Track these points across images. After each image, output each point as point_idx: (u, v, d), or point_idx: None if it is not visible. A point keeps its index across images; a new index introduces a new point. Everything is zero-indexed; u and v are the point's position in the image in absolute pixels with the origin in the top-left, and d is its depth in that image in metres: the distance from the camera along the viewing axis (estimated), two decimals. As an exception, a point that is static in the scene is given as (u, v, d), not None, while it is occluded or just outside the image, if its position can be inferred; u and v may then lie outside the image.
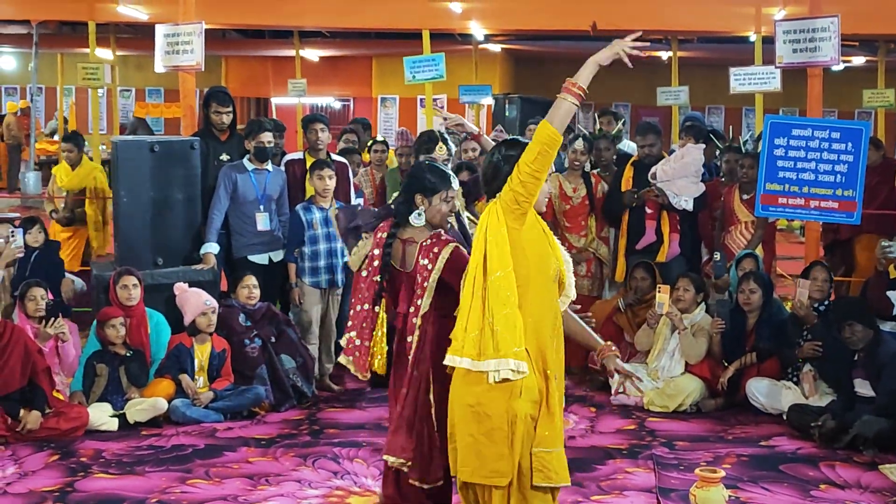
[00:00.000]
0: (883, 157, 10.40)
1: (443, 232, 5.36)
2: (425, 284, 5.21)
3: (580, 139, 9.20)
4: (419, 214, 5.28)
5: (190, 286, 7.96)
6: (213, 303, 7.85)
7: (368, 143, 10.75)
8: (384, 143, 10.57)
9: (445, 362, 4.45)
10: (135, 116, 26.01)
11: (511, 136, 4.96)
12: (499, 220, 4.36)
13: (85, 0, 14.82)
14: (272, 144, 8.57)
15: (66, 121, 24.88)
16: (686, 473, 6.47)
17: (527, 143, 4.43)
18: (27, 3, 16.93)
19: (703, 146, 9.28)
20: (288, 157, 9.11)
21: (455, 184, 5.41)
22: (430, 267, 5.21)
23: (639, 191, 8.92)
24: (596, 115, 11.72)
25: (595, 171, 9.50)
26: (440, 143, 6.06)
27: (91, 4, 14.88)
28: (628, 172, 9.11)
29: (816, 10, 9.13)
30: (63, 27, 22.73)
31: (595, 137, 9.99)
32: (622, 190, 9.06)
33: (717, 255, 8.76)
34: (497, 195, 4.47)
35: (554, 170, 9.09)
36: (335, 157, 8.99)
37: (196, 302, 7.79)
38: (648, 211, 8.93)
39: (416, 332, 5.28)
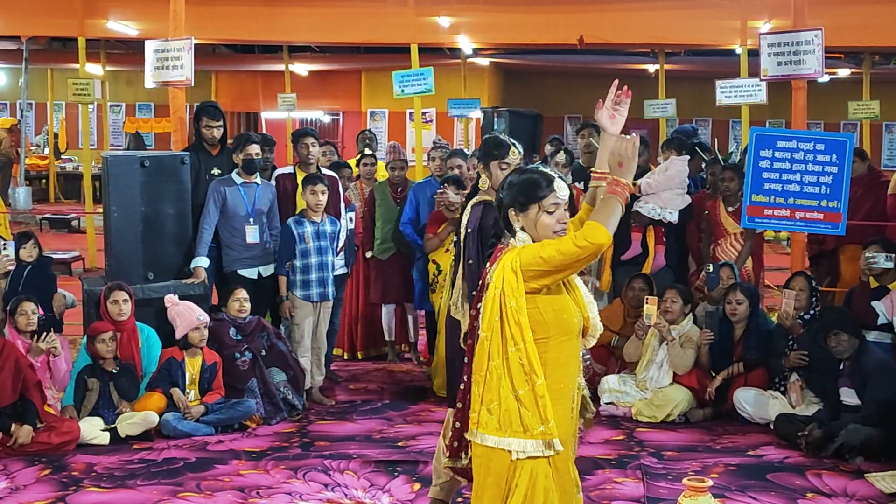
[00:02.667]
0: (868, 169, 10.48)
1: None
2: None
3: (562, 152, 9.28)
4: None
5: (181, 300, 7.99)
6: (206, 317, 7.88)
7: (357, 157, 10.78)
8: (373, 156, 10.62)
9: (467, 436, 4.15)
10: (128, 132, 26.06)
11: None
12: (517, 281, 3.94)
13: (75, 16, 14.87)
14: (260, 157, 8.60)
15: (56, 136, 24.92)
16: (674, 483, 6.50)
17: (525, 171, 4.15)
18: (17, 18, 16.95)
19: (688, 158, 9.34)
20: (279, 171, 9.15)
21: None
22: None
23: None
24: (576, 128, 11.71)
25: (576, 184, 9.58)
26: (512, 148, 5.86)
27: (81, 20, 14.93)
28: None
29: (800, 24, 9.20)
30: (53, 43, 22.77)
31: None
32: None
33: (710, 268, 8.80)
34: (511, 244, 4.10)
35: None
36: (325, 171, 9.03)
37: (189, 316, 7.83)
38: (634, 223, 8.99)
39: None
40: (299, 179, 8.75)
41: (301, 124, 25.92)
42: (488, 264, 4.62)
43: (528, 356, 3.92)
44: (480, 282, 4.59)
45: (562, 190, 4.08)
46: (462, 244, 5.84)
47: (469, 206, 5.91)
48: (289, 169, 9.11)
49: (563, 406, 4.10)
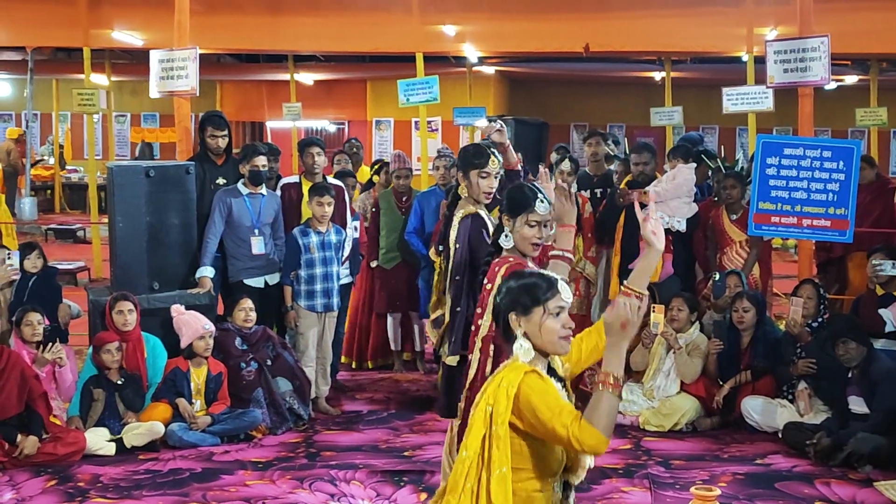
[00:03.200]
0: (876, 176, 10.45)
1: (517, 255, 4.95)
2: (485, 304, 4.93)
3: (567, 160, 9.25)
4: (507, 236, 4.90)
5: (186, 310, 7.98)
6: (211, 326, 7.87)
7: (374, 166, 10.71)
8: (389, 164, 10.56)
9: None
10: (137, 141, 26.10)
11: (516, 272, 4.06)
12: (507, 408, 3.57)
13: (80, 26, 14.89)
14: (266, 168, 8.60)
15: (61, 147, 24.93)
16: (682, 492, 6.48)
17: (525, 274, 3.87)
18: (22, 29, 16.98)
19: (695, 166, 9.32)
20: (284, 180, 9.15)
21: (540, 207, 4.84)
22: (488, 287, 4.89)
23: (629, 190, 8.97)
24: (583, 136, 11.70)
25: (581, 192, 9.59)
26: (492, 157, 5.80)
27: (86, 31, 14.95)
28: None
29: (807, 31, 9.18)
30: (58, 53, 22.78)
31: (620, 159, 10.03)
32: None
33: (717, 276, 8.76)
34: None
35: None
36: (331, 180, 9.03)
37: (194, 325, 7.82)
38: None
39: (476, 353, 5.03)
40: (305, 189, 8.73)
41: (306, 133, 25.94)
42: (485, 280, 4.64)
43: (505, 487, 3.59)
44: (473, 326, 4.66)
45: (566, 292, 3.78)
46: (450, 260, 5.68)
47: (456, 221, 5.72)
48: (294, 178, 9.10)
49: None
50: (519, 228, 4.60)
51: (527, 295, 3.74)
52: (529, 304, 3.72)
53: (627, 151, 10.59)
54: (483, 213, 5.72)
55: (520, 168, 6.26)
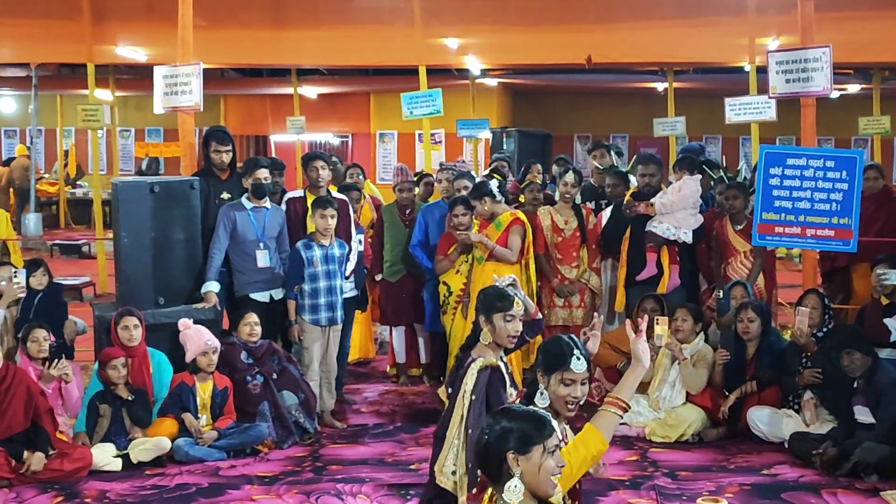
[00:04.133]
0: (882, 185, 10.43)
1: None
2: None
3: (571, 172, 9.28)
4: (542, 394, 4.54)
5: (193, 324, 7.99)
6: (215, 342, 7.87)
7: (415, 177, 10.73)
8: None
9: None
10: (145, 156, 26.16)
11: (503, 407, 3.93)
12: None
13: (83, 42, 14.92)
14: (269, 181, 8.60)
15: (66, 164, 24.97)
16: (688, 503, 6.48)
17: (519, 412, 3.70)
18: (26, 45, 17.05)
19: (700, 177, 9.34)
20: (289, 195, 9.16)
21: (576, 364, 4.52)
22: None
23: (635, 202, 8.99)
24: (587, 148, 11.71)
25: (586, 203, 9.63)
26: (515, 299, 5.56)
27: (90, 46, 14.98)
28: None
29: (808, 41, 9.19)
30: (62, 69, 22.87)
31: (609, 172, 10.04)
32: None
33: (721, 294, 8.75)
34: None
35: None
36: (336, 194, 9.04)
37: (197, 341, 7.83)
38: (649, 244, 8.98)
39: None
40: (309, 203, 8.75)
41: (310, 147, 25.98)
42: None
43: None
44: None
45: (557, 429, 3.70)
46: (465, 410, 5.25)
47: (474, 369, 5.26)
48: (299, 192, 9.12)
49: None
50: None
51: (527, 434, 3.57)
52: (530, 444, 3.56)
53: (615, 163, 10.59)
54: (503, 365, 5.38)
55: (540, 317, 5.97)
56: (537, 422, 3.61)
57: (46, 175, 25.48)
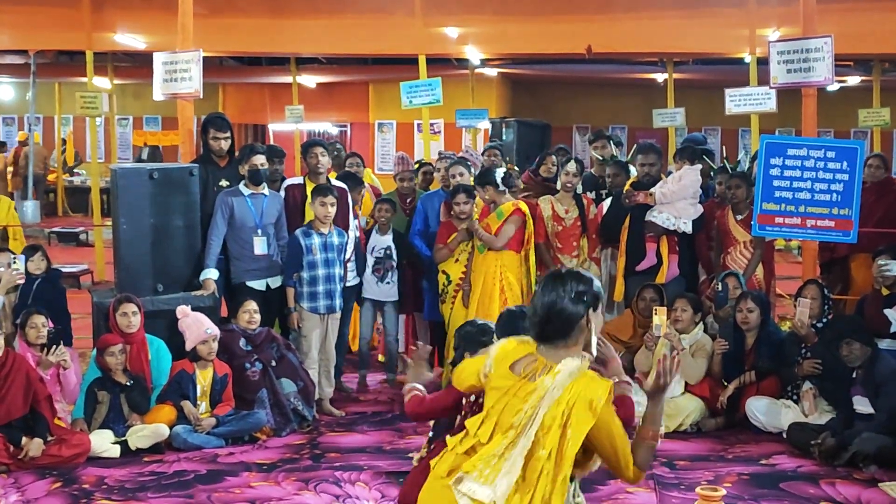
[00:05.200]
0: (884, 176, 10.42)
1: None
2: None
3: (572, 161, 9.26)
4: None
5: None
6: (214, 330, 7.86)
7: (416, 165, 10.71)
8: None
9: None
10: (144, 144, 26.13)
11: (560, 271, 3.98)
12: (586, 423, 3.67)
13: (82, 29, 14.88)
14: (265, 167, 8.57)
15: (63, 150, 24.94)
16: (687, 493, 6.49)
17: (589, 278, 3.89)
18: (24, 32, 17.01)
19: (700, 167, 9.33)
20: (288, 181, 9.14)
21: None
22: None
23: (635, 191, 8.98)
24: (588, 139, 11.69)
25: (587, 193, 9.61)
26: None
27: (88, 34, 14.94)
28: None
29: (810, 31, 9.17)
30: (60, 56, 22.81)
31: (608, 162, 10.02)
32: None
33: (720, 287, 8.74)
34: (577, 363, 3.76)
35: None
36: (335, 182, 9.02)
37: (197, 330, 7.82)
38: (648, 233, 8.97)
39: None
40: (308, 190, 8.73)
41: (309, 136, 25.92)
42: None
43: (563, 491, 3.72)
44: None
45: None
46: None
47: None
48: (298, 179, 9.10)
49: None
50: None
51: (597, 292, 3.86)
52: (597, 301, 3.86)
53: (615, 154, 10.58)
54: None
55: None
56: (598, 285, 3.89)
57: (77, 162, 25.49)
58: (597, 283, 3.88)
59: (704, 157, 10.21)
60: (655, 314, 8.15)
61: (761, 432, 7.91)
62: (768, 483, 6.79)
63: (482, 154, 10.90)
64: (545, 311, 3.82)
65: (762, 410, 7.92)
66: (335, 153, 11.54)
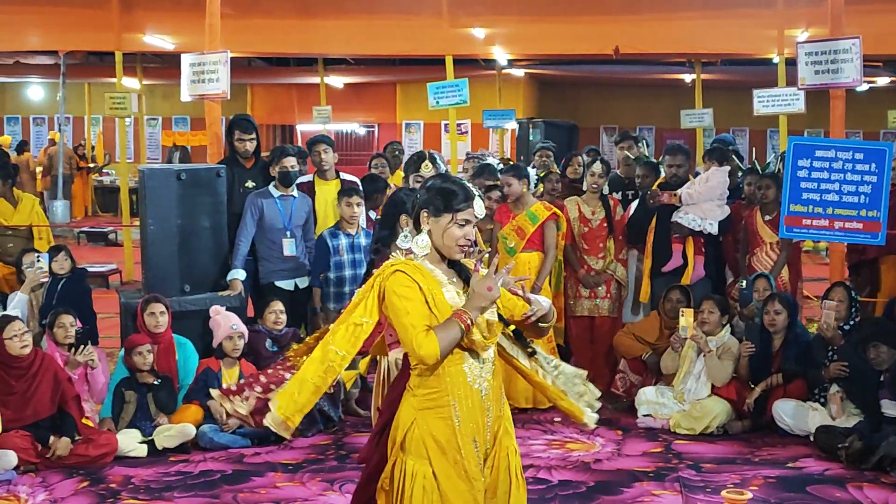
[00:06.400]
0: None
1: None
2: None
3: (598, 162, 9.22)
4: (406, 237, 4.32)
5: (220, 311, 8.04)
6: (241, 327, 7.90)
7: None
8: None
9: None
10: (170, 144, 26.28)
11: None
12: (375, 304, 4.05)
13: (112, 30, 14.97)
14: (296, 169, 8.62)
15: (93, 150, 25.11)
16: (713, 496, 6.45)
17: (450, 180, 4.21)
18: (55, 33, 17.13)
19: (728, 169, 9.28)
20: (297, 180, 9.14)
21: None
22: None
23: (660, 192, 8.94)
24: (615, 139, 11.65)
25: (613, 194, 9.59)
26: (426, 161, 5.65)
27: (118, 35, 15.04)
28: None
29: (838, 32, 9.13)
30: (90, 57, 22.98)
31: (639, 163, 9.98)
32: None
33: (744, 284, 8.72)
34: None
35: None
36: (345, 176, 9.04)
37: (223, 326, 7.87)
38: (675, 234, 8.94)
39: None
40: (318, 188, 8.78)
41: (336, 136, 26.01)
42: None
43: (338, 364, 4.03)
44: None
45: (479, 209, 4.10)
46: None
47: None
48: (307, 177, 9.12)
49: (441, 413, 4.04)
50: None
51: (442, 199, 4.06)
52: (442, 209, 4.06)
53: (644, 154, 10.56)
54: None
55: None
56: (454, 192, 4.08)
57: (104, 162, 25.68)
58: (450, 191, 4.07)
59: (735, 157, 10.16)
60: (682, 316, 8.13)
61: (788, 435, 7.86)
62: (795, 486, 6.75)
63: (533, 154, 10.88)
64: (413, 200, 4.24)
65: (789, 413, 7.88)
66: (395, 154, 11.60)
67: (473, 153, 11.46)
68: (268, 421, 4.01)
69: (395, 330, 4.00)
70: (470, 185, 4.18)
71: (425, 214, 4.09)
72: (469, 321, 3.90)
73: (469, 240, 4.07)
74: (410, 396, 4.07)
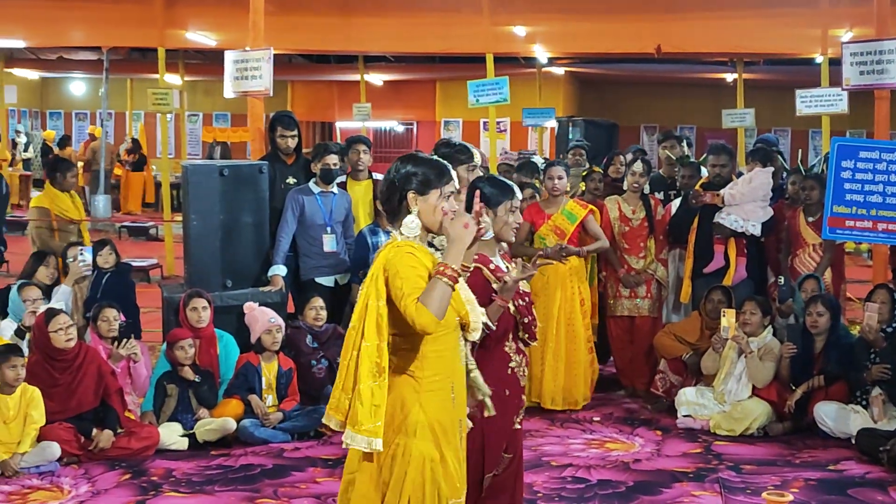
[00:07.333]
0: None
1: None
2: None
3: (639, 161, 9.18)
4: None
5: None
6: (279, 320, 7.94)
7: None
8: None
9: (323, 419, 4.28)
10: (211, 140, 26.42)
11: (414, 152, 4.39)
12: (383, 284, 4.03)
13: (155, 27, 15.08)
14: (338, 167, 8.65)
15: (139, 145, 25.28)
16: (753, 497, 6.43)
17: (424, 159, 4.22)
18: (98, 29, 17.27)
19: (772, 169, 9.22)
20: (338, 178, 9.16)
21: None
22: None
23: (703, 192, 8.91)
24: (657, 139, 11.60)
25: (654, 194, 9.55)
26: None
27: (161, 31, 15.14)
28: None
29: (883, 32, 9.06)
30: (133, 53, 23.12)
31: (682, 163, 9.94)
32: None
33: (782, 280, 8.68)
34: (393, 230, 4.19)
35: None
36: (377, 176, 9.06)
37: (262, 320, 7.91)
38: (717, 235, 8.88)
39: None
40: (348, 188, 8.81)
41: (375, 134, 26.05)
42: None
43: (379, 351, 4.01)
44: None
45: (456, 180, 4.20)
46: None
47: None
48: (340, 178, 9.15)
49: (442, 396, 4.14)
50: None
51: (427, 177, 4.11)
52: (428, 187, 4.10)
53: (687, 154, 10.51)
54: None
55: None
56: (437, 169, 4.15)
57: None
58: (431, 169, 4.13)
59: (780, 156, 10.09)
60: (723, 316, 8.09)
61: (829, 437, 7.81)
62: (836, 489, 6.71)
63: (567, 152, 10.84)
64: (382, 189, 4.26)
65: (830, 415, 7.83)
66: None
67: (510, 153, 11.42)
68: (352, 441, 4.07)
69: (397, 304, 3.98)
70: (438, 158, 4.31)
71: (412, 195, 4.10)
72: (450, 271, 3.91)
73: (454, 210, 4.13)
74: (409, 379, 4.09)
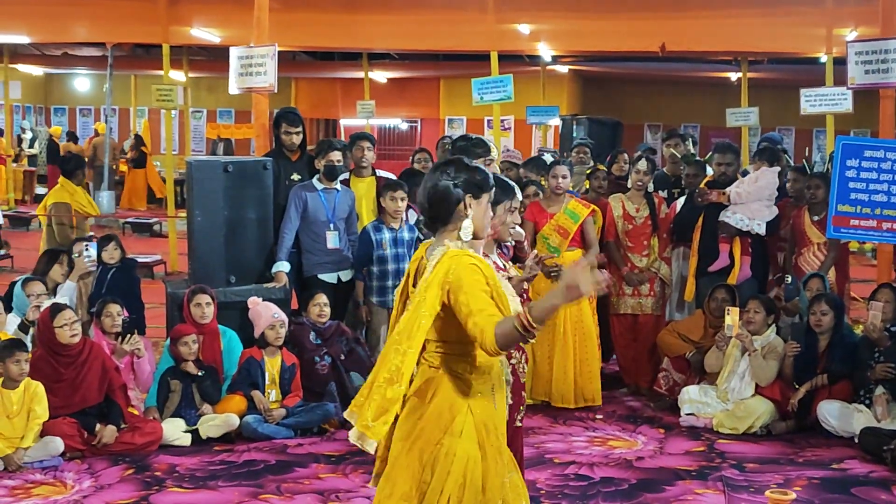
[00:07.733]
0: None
1: None
2: None
3: (643, 159, 9.17)
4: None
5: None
6: (282, 316, 7.95)
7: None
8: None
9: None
10: (214, 137, 26.44)
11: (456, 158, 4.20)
12: (437, 298, 3.91)
13: (159, 23, 15.10)
14: (341, 163, 8.65)
15: (143, 142, 25.30)
16: (756, 496, 6.43)
17: (474, 167, 4.12)
18: (102, 25, 17.29)
19: (778, 169, 9.21)
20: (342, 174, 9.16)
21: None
22: None
23: (708, 190, 8.90)
24: (662, 137, 11.61)
25: (658, 192, 9.54)
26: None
27: (165, 27, 15.16)
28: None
29: (888, 31, 9.06)
30: (137, 49, 23.14)
31: (688, 162, 9.95)
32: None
33: (789, 279, 8.67)
34: (445, 243, 4.04)
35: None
36: (382, 173, 9.06)
37: (265, 315, 7.91)
38: (722, 234, 8.88)
39: None
40: (352, 185, 8.81)
41: (379, 131, 26.04)
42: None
43: (404, 363, 3.95)
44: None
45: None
46: None
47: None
48: (344, 175, 9.16)
49: (489, 399, 4.09)
50: (501, 216, 4.42)
51: (479, 183, 4.07)
52: (480, 190, 4.08)
53: (692, 152, 10.50)
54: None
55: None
56: (486, 175, 4.11)
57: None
58: (481, 173, 4.10)
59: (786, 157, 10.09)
60: (727, 315, 8.09)
61: (832, 436, 7.81)
62: (839, 488, 6.70)
63: (571, 150, 10.84)
64: (427, 195, 4.10)
65: (834, 414, 7.82)
66: (446, 147, 11.54)
67: (514, 151, 11.39)
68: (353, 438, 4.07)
69: (460, 317, 3.86)
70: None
71: (468, 199, 4.04)
72: (528, 324, 3.68)
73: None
74: (457, 381, 4.03)
